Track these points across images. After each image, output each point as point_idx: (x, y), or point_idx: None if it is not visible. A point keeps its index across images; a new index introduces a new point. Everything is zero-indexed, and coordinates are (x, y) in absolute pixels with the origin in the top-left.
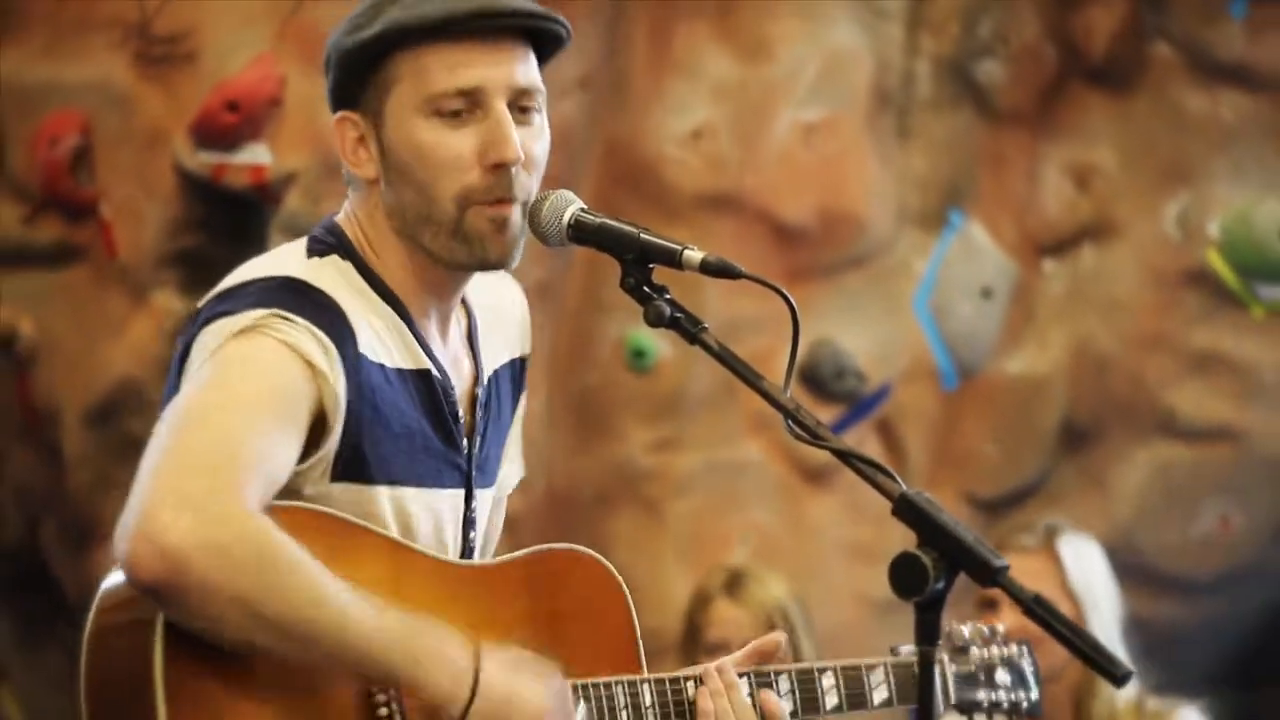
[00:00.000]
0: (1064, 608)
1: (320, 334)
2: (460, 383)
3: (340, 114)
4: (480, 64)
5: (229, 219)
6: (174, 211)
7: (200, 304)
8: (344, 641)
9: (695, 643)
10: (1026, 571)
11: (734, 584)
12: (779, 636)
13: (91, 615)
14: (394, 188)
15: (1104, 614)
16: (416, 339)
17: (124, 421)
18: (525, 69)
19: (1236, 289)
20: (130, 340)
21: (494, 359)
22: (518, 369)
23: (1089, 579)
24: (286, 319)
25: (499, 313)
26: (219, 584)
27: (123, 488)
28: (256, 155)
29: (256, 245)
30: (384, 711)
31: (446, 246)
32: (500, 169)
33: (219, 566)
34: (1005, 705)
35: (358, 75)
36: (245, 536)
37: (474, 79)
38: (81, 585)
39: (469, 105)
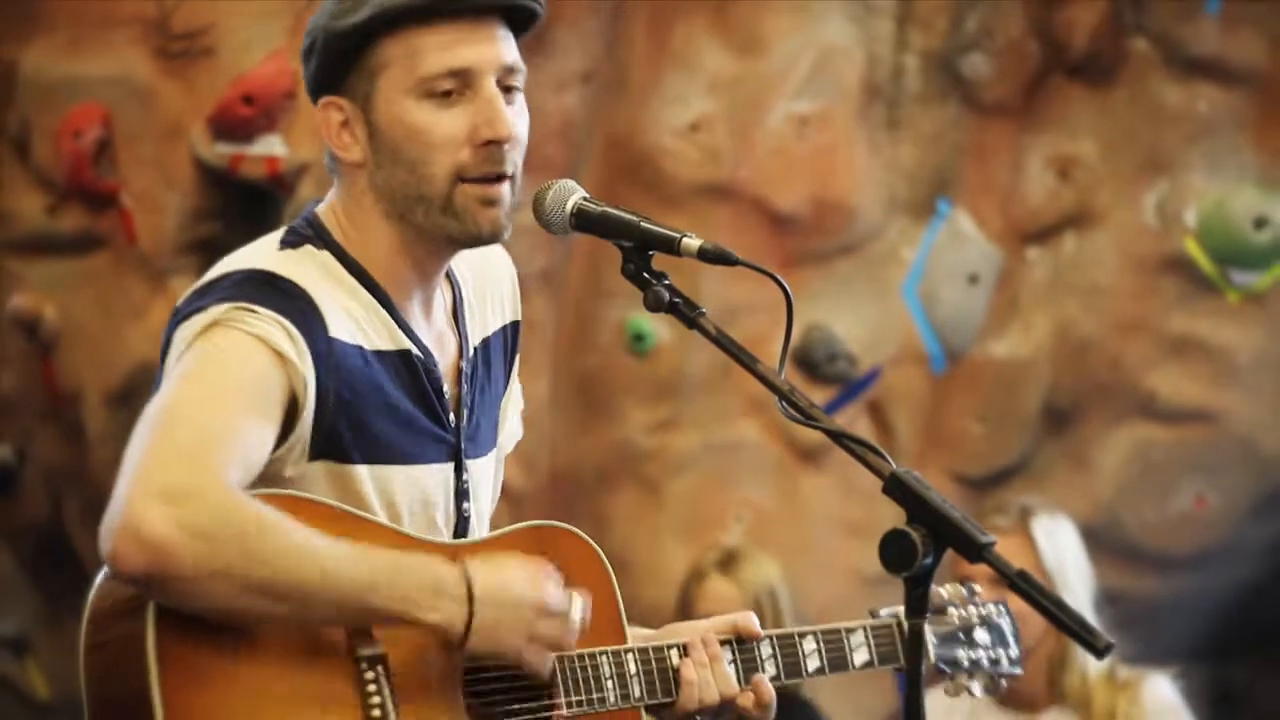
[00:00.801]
0: None
1: (286, 322)
2: (445, 358)
3: (325, 99)
4: (469, 44)
5: (245, 208)
6: (192, 201)
7: (179, 301)
8: (334, 592)
9: (688, 616)
10: (1001, 551)
11: (728, 562)
12: (757, 629)
13: (89, 601)
14: (384, 169)
15: (1075, 591)
16: (396, 320)
17: (144, 402)
18: (509, 47)
19: (1212, 275)
20: (150, 324)
21: (481, 329)
22: (509, 334)
23: (1061, 557)
24: (251, 310)
25: (487, 280)
26: (204, 563)
27: None
28: (271, 147)
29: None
30: (370, 675)
31: (439, 223)
32: (492, 146)
33: (202, 546)
34: (985, 663)
35: (343, 60)
36: (221, 511)
37: (465, 59)
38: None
39: (459, 85)
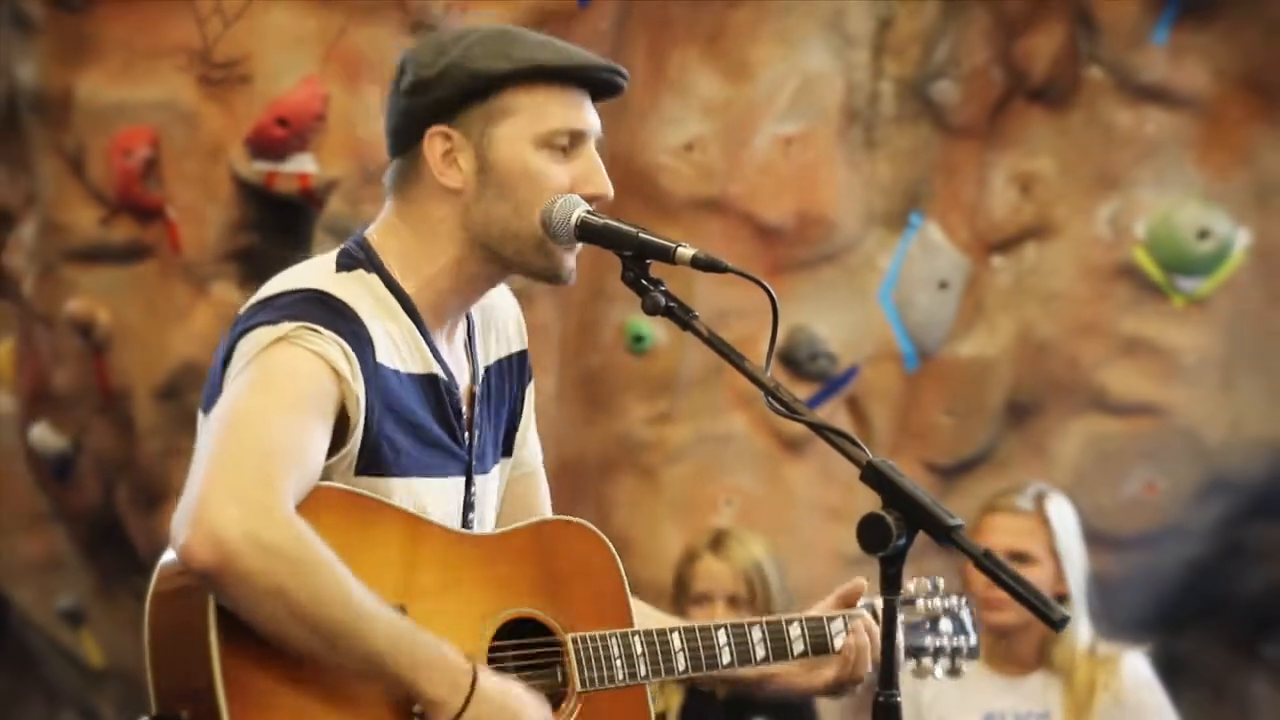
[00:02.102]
0: (1048, 565)
1: (344, 344)
2: (463, 381)
3: (436, 128)
4: (584, 109)
5: (279, 220)
6: (231, 214)
7: (241, 311)
8: (361, 643)
9: (684, 593)
10: (1020, 531)
11: (718, 543)
12: (862, 582)
13: (152, 584)
14: (486, 201)
15: (1077, 569)
16: (428, 344)
17: (188, 397)
18: (598, 119)
19: (1160, 282)
20: (193, 327)
21: (488, 355)
22: (517, 363)
23: (1069, 540)
24: (315, 331)
25: (493, 314)
26: (260, 576)
27: (188, 456)
28: (303, 165)
29: (303, 243)
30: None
31: (527, 259)
32: (594, 201)
33: (262, 562)
34: (948, 649)
35: (468, 98)
36: (287, 538)
37: (582, 123)
38: (151, 542)
39: (570, 143)
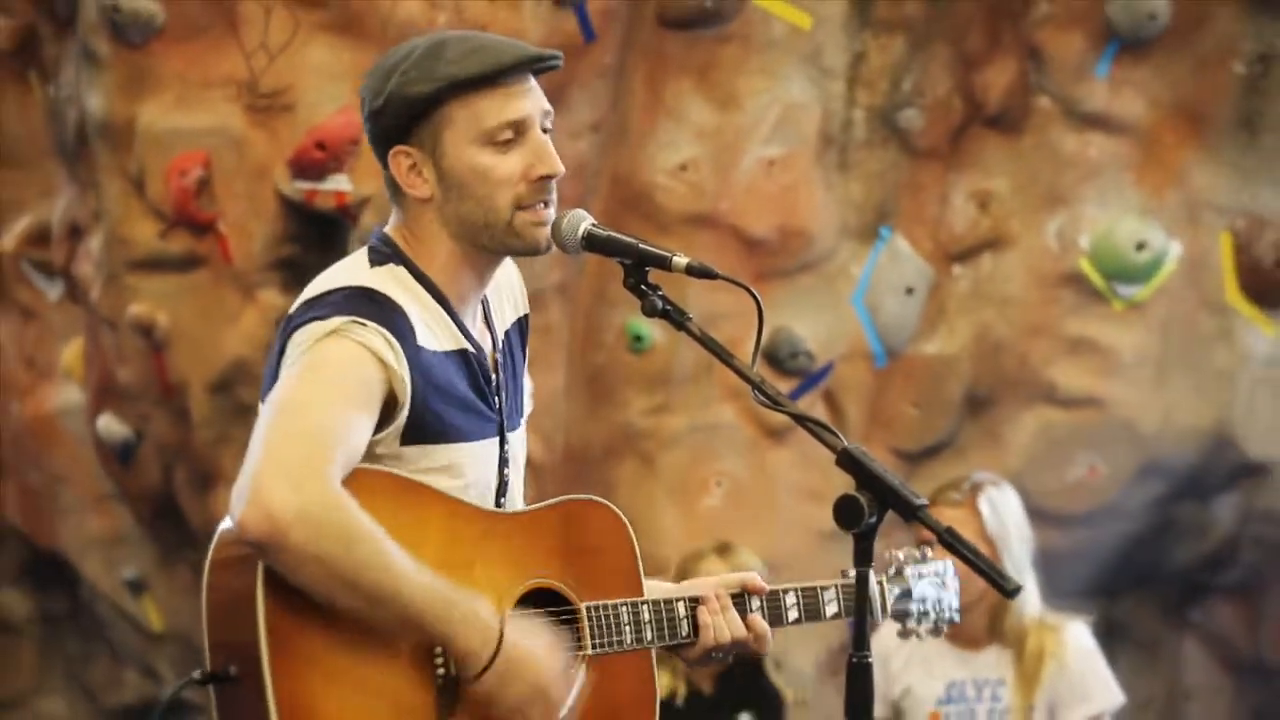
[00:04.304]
0: (982, 549)
1: (388, 334)
2: (487, 350)
3: (396, 148)
4: (519, 99)
5: (318, 233)
6: (276, 228)
7: (292, 308)
8: (401, 603)
9: None
10: (953, 520)
11: (723, 550)
12: (759, 581)
13: (210, 552)
14: (452, 203)
15: (1014, 551)
16: (456, 323)
17: (238, 391)
18: (541, 95)
19: (1101, 288)
20: (242, 328)
21: (503, 322)
22: (524, 324)
23: (1004, 523)
24: (361, 324)
25: (500, 285)
26: (308, 545)
27: (237, 443)
28: (340, 184)
29: (339, 254)
30: (438, 650)
31: (503, 242)
32: (544, 180)
33: (310, 532)
34: (932, 612)
35: (412, 119)
36: (333, 511)
37: (519, 112)
38: (205, 519)
39: (514, 133)
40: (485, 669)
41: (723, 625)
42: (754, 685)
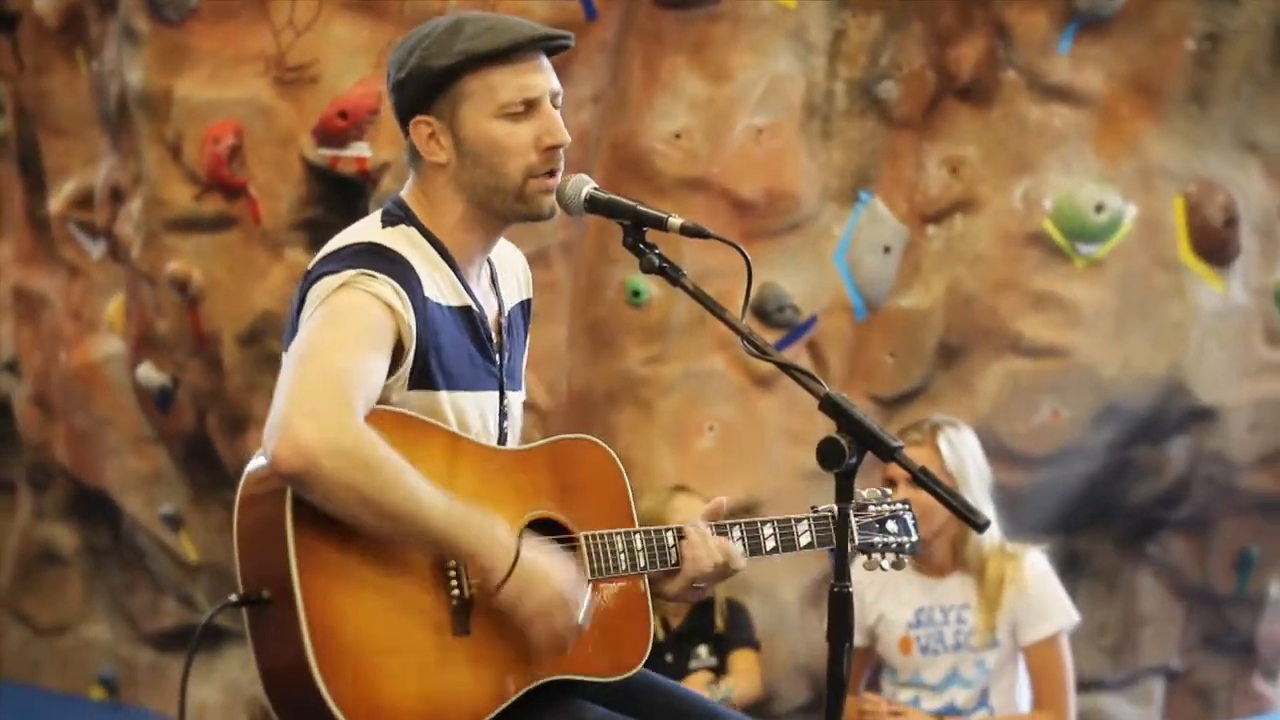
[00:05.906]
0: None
1: (395, 285)
2: (490, 313)
3: (417, 117)
4: (532, 76)
5: (341, 196)
6: (301, 191)
7: (310, 265)
8: (423, 523)
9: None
10: (915, 458)
11: (680, 489)
12: (722, 500)
13: (240, 488)
14: (468, 170)
15: (973, 485)
16: (461, 282)
17: (267, 342)
18: (554, 75)
19: (1064, 247)
20: (270, 283)
21: (510, 298)
22: (527, 308)
23: (961, 459)
24: (372, 276)
25: (507, 266)
26: (338, 475)
27: (266, 390)
28: (361, 150)
29: (360, 215)
30: (452, 572)
31: (512, 208)
32: (553, 150)
33: (339, 463)
34: (894, 545)
35: (432, 90)
36: (358, 442)
37: (532, 89)
38: (236, 459)
39: (526, 106)
40: (504, 581)
41: (703, 557)
42: (710, 623)
